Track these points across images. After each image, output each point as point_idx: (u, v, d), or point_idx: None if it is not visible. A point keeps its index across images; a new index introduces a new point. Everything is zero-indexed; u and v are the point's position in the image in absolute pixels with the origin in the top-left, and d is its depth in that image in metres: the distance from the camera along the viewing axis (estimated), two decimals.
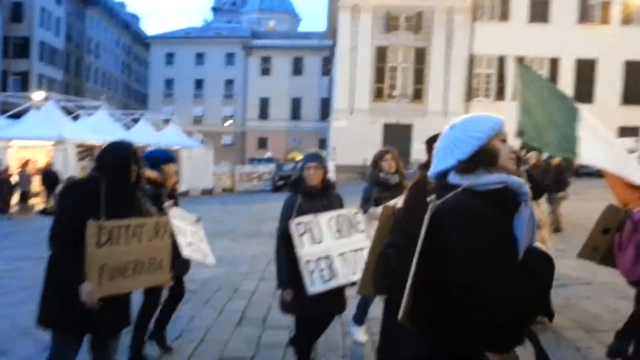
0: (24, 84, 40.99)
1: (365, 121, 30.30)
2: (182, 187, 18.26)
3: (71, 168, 16.41)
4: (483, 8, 30.08)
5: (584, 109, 3.37)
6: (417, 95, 31.09)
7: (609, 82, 29.78)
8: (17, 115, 18.96)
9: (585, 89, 28.87)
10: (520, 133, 2.77)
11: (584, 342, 4.34)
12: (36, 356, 3.98)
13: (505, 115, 1.83)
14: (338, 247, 3.50)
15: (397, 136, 27.35)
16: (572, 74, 29.50)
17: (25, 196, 16.35)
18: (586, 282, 6.29)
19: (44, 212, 14.69)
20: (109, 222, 2.70)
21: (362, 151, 26.41)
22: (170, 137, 22.52)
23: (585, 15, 30.25)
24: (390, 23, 30.82)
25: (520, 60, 21.46)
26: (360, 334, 4.39)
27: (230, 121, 52.14)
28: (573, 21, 30.15)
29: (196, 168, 22.78)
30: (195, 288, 6.09)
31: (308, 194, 3.52)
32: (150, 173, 3.83)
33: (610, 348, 3.87)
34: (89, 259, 2.64)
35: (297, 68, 50.81)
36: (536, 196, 4.33)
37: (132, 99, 62.51)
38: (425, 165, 2.65)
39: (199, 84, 52.61)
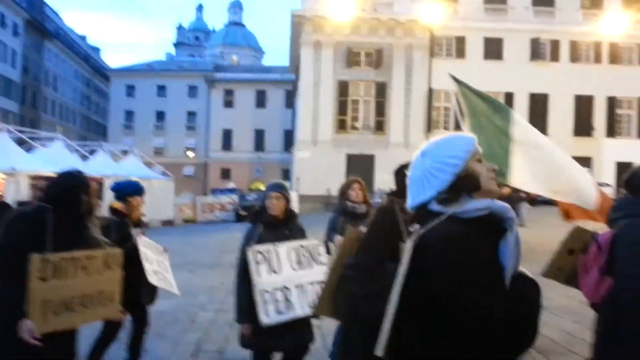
0: None
1: (328, 152, 30.52)
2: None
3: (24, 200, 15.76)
4: (440, 45, 31.15)
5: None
6: (379, 127, 31.63)
7: (561, 116, 31.24)
8: None
9: (539, 121, 30.00)
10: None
11: None
12: None
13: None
14: (297, 278, 3.40)
15: (360, 166, 27.58)
16: (526, 107, 30.67)
17: None
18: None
19: None
20: (55, 255, 2.56)
21: (326, 181, 26.52)
22: (129, 168, 22.04)
23: (536, 53, 31.81)
24: (351, 59, 31.50)
25: None
26: None
27: (193, 153, 51.66)
28: (525, 59, 31.64)
29: (156, 199, 22.23)
30: (150, 320, 5.82)
31: (270, 223, 3.44)
32: (115, 204, 4.01)
33: None
34: (31, 294, 2.48)
35: (261, 101, 51.16)
36: None
37: (92, 131, 61.26)
38: (394, 193, 2.60)
39: (160, 115, 52.16)
